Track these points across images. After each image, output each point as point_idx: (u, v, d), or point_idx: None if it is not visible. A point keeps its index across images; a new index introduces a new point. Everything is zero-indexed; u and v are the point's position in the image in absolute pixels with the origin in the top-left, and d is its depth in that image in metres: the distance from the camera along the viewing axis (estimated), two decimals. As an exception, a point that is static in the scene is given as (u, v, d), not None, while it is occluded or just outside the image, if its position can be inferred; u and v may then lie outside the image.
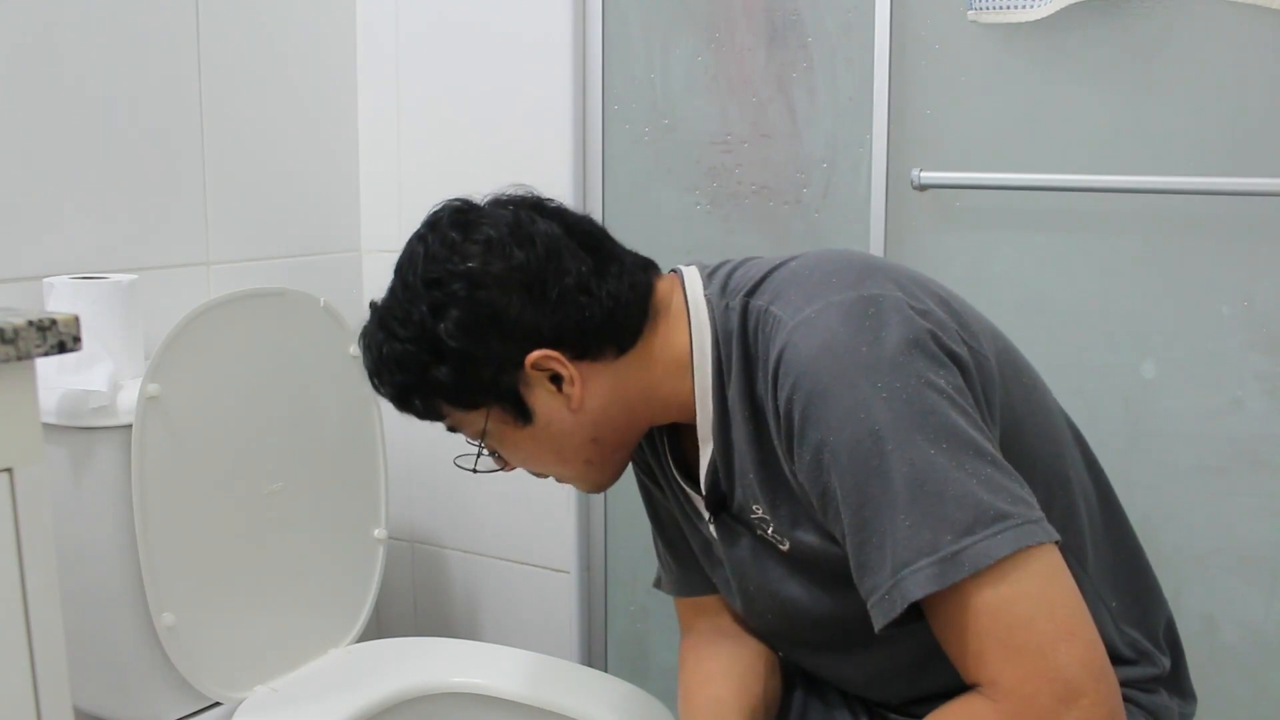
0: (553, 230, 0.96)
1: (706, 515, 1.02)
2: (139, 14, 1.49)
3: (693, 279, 0.98)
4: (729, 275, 0.97)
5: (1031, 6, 1.36)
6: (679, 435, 1.05)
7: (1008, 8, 1.37)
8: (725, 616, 1.14)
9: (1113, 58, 1.37)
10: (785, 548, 0.95)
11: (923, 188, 1.45)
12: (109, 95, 1.46)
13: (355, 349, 1.56)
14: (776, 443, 0.89)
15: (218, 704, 1.40)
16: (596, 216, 1.66)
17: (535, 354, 0.93)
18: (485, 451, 1.03)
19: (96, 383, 1.29)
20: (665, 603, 1.78)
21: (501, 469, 1.06)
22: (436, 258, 0.95)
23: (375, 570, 1.60)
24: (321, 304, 1.52)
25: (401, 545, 1.92)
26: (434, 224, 0.98)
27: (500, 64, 1.72)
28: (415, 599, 1.94)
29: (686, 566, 1.15)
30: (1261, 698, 1.38)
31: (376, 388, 1.01)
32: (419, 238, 0.98)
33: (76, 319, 0.91)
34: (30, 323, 0.88)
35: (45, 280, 1.36)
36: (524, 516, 1.80)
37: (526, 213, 0.97)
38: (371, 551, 1.60)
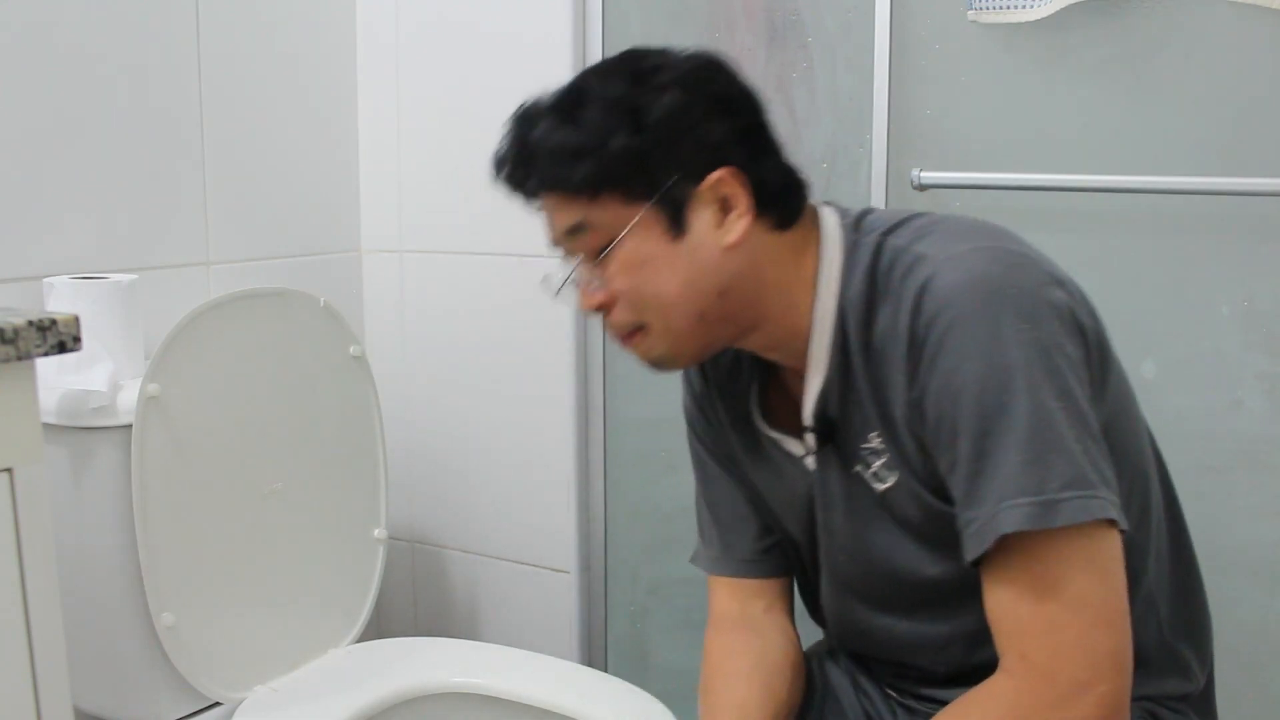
0: (755, 99, 0.96)
1: (801, 452, 1.01)
2: (139, 14, 1.49)
3: (826, 209, 0.99)
4: (862, 216, 0.98)
5: (1031, 6, 1.36)
6: (764, 378, 1.04)
7: (1008, 8, 1.37)
8: (758, 603, 1.13)
9: (1113, 58, 1.37)
10: (882, 487, 0.95)
11: (923, 188, 1.45)
12: (109, 95, 1.46)
13: (355, 348, 1.57)
14: (896, 372, 0.89)
15: (218, 704, 1.40)
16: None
17: (724, 171, 0.91)
18: (579, 274, 0.96)
19: (96, 383, 1.29)
20: (665, 602, 1.78)
21: (588, 303, 0.96)
22: (645, 57, 0.93)
23: (375, 570, 1.60)
24: (321, 304, 1.52)
25: (401, 545, 1.92)
26: (635, 50, 0.96)
27: (500, 64, 1.72)
28: (415, 599, 1.94)
29: (729, 540, 1.14)
30: (1262, 697, 1.38)
31: (516, 162, 0.95)
32: (617, 56, 0.96)
33: (76, 319, 0.92)
34: (30, 323, 0.88)
35: (45, 280, 1.36)
36: (524, 516, 1.81)
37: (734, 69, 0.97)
38: (371, 551, 1.60)
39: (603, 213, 0.92)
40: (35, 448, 0.92)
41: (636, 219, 0.91)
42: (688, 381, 1.14)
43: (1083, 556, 0.83)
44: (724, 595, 1.16)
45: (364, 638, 1.58)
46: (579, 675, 1.49)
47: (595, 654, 1.79)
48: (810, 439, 0.99)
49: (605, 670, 1.71)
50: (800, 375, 0.98)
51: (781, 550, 1.13)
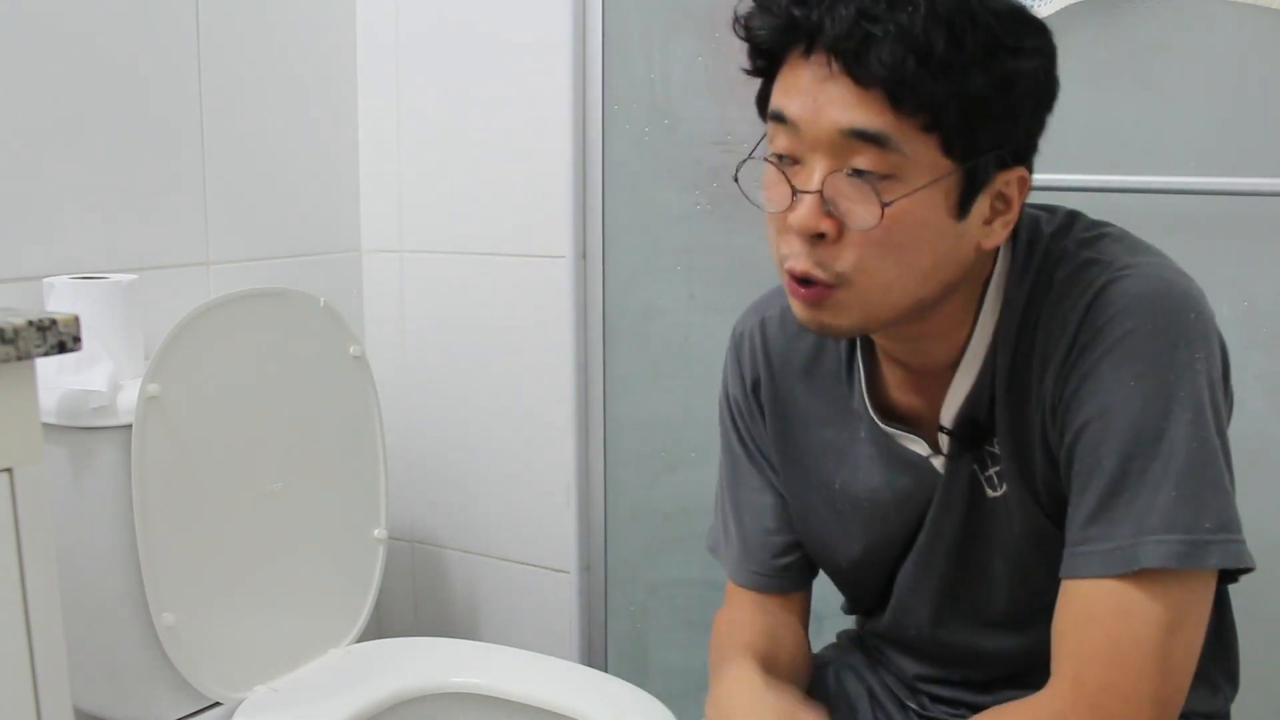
0: None
1: (926, 452, 0.93)
2: (139, 14, 1.49)
3: None
4: (1040, 215, 0.92)
5: (1032, 6, 1.36)
6: (871, 368, 0.96)
7: (1008, 8, 1.37)
8: (773, 603, 1.08)
9: (1113, 58, 1.37)
10: (996, 493, 0.92)
11: (923, 188, 1.45)
12: (109, 95, 1.46)
13: (355, 349, 1.57)
14: (1043, 373, 0.85)
15: (218, 704, 1.40)
16: (596, 217, 1.67)
17: (1023, 172, 0.83)
18: (825, 186, 0.79)
19: (96, 383, 1.29)
20: (665, 603, 1.78)
21: (809, 222, 0.79)
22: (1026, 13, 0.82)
23: (375, 570, 1.60)
24: (321, 304, 1.52)
25: (401, 545, 1.92)
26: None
27: (500, 64, 1.72)
28: (415, 599, 1.94)
29: (748, 549, 1.07)
30: (1263, 698, 1.38)
31: (866, 13, 0.75)
32: None
33: (76, 319, 0.92)
34: (30, 323, 0.88)
35: (45, 280, 1.36)
36: (524, 516, 1.80)
37: None
38: (371, 551, 1.60)
39: (915, 145, 0.77)
40: (35, 448, 0.92)
41: (939, 177, 0.78)
42: (738, 369, 1.04)
43: (1182, 601, 0.80)
44: (737, 588, 1.11)
45: (364, 638, 1.58)
46: (579, 675, 1.49)
47: (595, 654, 1.79)
48: (946, 441, 0.93)
49: (605, 670, 1.71)
50: (926, 373, 0.92)
51: (799, 568, 1.08)
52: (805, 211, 0.79)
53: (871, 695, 1.11)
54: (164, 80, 1.53)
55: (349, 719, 1.36)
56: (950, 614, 1.00)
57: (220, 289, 1.60)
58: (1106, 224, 0.92)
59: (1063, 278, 0.85)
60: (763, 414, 1.04)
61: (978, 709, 0.91)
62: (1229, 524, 0.80)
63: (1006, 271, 0.88)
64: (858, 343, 0.97)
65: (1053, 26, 1.37)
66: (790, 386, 1.01)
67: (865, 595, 1.09)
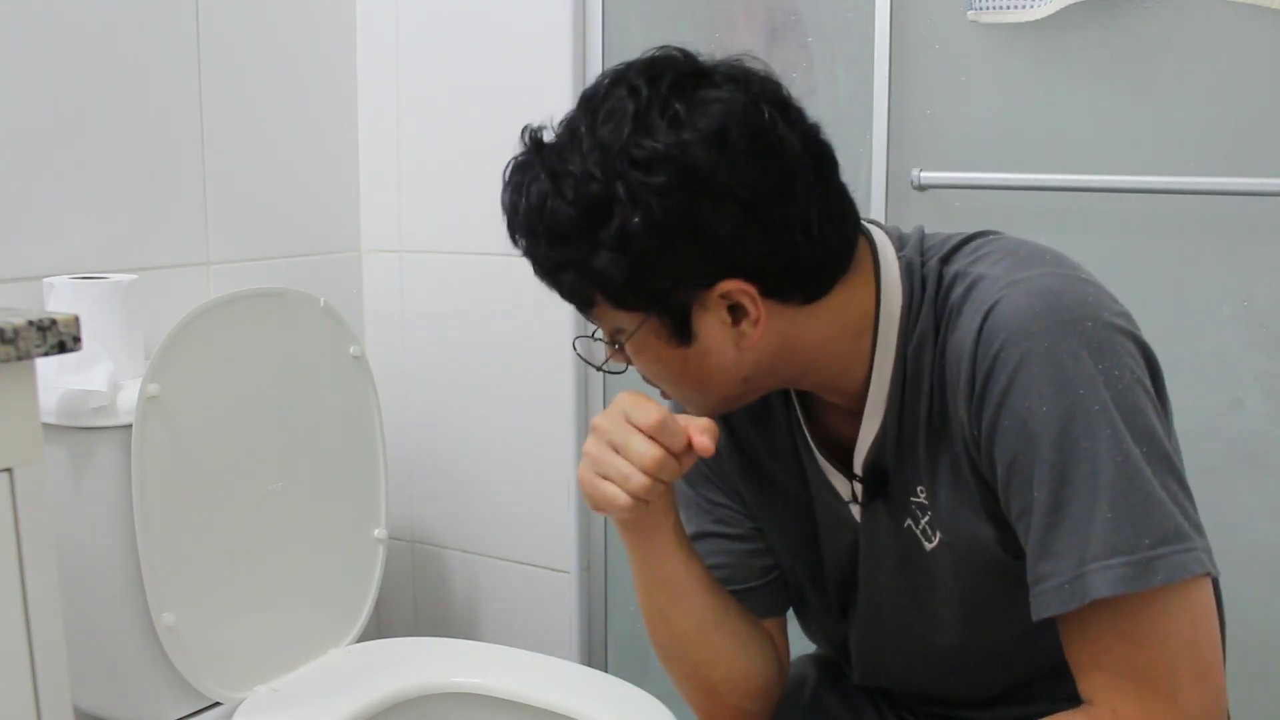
0: (794, 148, 0.81)
1: (847, 496, 0.93)
2: (139, 14, 1.49)
3: (882, 239, 0.89)
4: (921, 239, 0.89)
5: (1031, 6, 1.36)
6: (811, 410, 0.95)
7: (1008, 8, 1.37)
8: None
9: (1113, 58, 1.37)
10: (931, 545, 0.89)
11: (922, 188, 1.45)
12: (109, 95, 1.46)
13: (355, 349, 1.57)
14: (957, 406, 0.83)
15: (218, 704, 1.40)
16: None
17: (730, 284, 0.81)
18: (608, 351, 0.90)
19: (96, 383, 1.29)
20: (665, 603, 1.78)
21: (622, 370, 0.92)
22: (650, 129, 0.78)
23: (375, 570, 1.60)
24: (321, 304, 1.52)
25: (401, 545, 1.92)
26: (654, 77, 0.81)
27: (501, 64, 1.72)
28: (415, 599, 1.94)
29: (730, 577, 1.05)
30: (1262, 698, 1.38)
31: (515, 242, 0.86)
32: (630, 88, 0.81)
33: (76, 319, 0.92)
34: (30, 323, 0.88)
35: (45, 280, 1.36)
36: (524, 516, 1.80)
37: (771, 111, 0.81)
38: (371, 551, 1.60)
39: (605, 315, 0.86)
40: (35, 448, 0.92)
41: (638, 325, 0.84)
42: None
43: (1173, 615, 0.77)
44: None
45: (364, 638, 1.58)
46: (579, 675, 1.49)
47: (595, 654, 1.79)
48: (858, 489, 0.92)
49: (605, 670, 1.71)
50: (848, 413, 0.90)
51: (776, 590, 1.06)
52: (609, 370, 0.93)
53: (868, 691, 1.10)
54: (164, 80, 1.53)
55: (349, 719, 1.36)
56: (915, 664, 0.99)
57: (220, 289, 1.60)
58: (982, 235, 0.89)
59: (953, 303, 0.84)
60: (720, 465, 1.03)
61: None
62: (1170, 535, 0.76)
63: (899, 313, 0.86)
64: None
65: (1052, 26, 1.38)
66: (747, 426, 1.00)
67: (833, 648, 1.08)
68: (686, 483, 1.05)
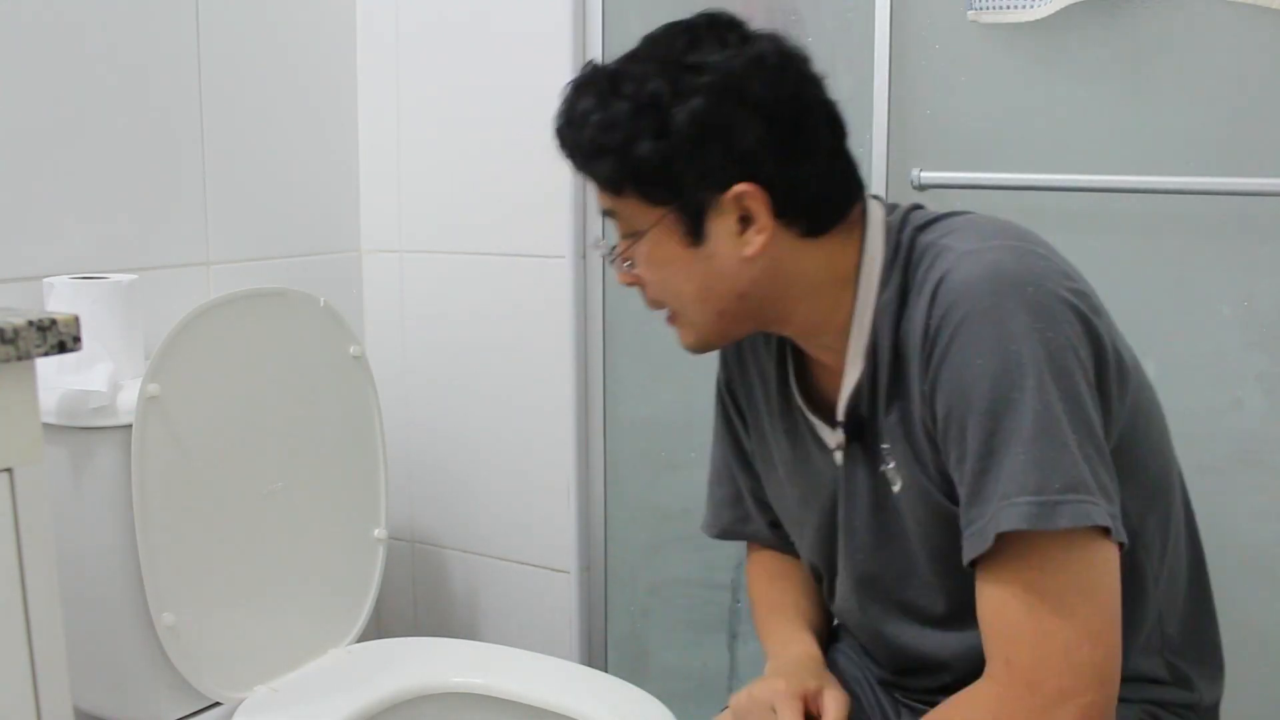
0: (817, 94, 0.94)
1: (833, 444, 1.00)
2: (139, 14, 1.49)
3: (874, 205, 0.98)
4: (907, 212, 0.98)
5: (1031, 6, 1.36)
6: (801, 361, 1.04)
7: (1008, 8, 1.37)
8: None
9: (1113, 58, 1.37)
10: (897, 488, 0.95)
11: (922, 187, 1.45)
12: (109, 95, 1.46)
13: (355, 349, 1.57)
14: (914, 366, 0.90)
15: (218, 704, 1.40)
16: (596, 217, 1.67)
17: (745, 186, 0.90)
18: (620, 252, 0.99)
19: (96, 383, 1.29)
20: (665, 603, 1.78)
21: (629, 281, 1.00)
22: (701, 47, 0.91)
23: (375, 570, 1.60)
24: (321, 304, 1.52)
25: (401, 545, 1.92)
26: (710, 21, 0.94)
27: (500, 64, 1.72)
28: (415, 599, 1.94)
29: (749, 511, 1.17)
30: (1262, 698, 1.38)
31: (562, 139, 0.96)
32: (687, 25, 0.95)
33: (76, 319, 0.92)
34: (30, 323, 0.88)
35: (45, 280, 1.36)
36: (524, 516, 1.80)
37: (800, 61, 0.94)
38: (371, 551, 1.60)
39: (626, 207, 0.95)
40: (35, 448, 0.92)
41: (656, 221, 0.93)
42: (722, 359, 1.15)
43: (1078, 564, 0.82)
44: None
45: (364, 638, 1.58)
46: (579, 675, 1.49)
47: (595, 654, 1.79)
48: (840, 435, 0.99)
49: (605, 670, 1.71)
50: (834, 369, 0.98)
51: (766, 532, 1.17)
52: (615, 273, 1.01)
53: (869, 681, 1.12)
54: (164, 80, 1.53)
55: (349, 719, 1.36)
56: (890, 614, 1.03)
57: (220, 289, 1.60)
58: (963, 213, 0.97)
59: (920, 270, 0.91)
60: (737, 403, 1.14)
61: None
62: (1078, 485, 0.81)
63: (879, 271, 0.94)
64: (787, 341, 1.05)
65: (1052, 26, 1.38)
66: (755, 379, 1.10)
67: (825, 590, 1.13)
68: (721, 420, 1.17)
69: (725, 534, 1.20)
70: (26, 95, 1.37)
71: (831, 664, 1.13)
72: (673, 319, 1.00)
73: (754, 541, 1.20)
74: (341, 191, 1.84)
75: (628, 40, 1.64)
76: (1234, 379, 1.37)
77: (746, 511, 1.18)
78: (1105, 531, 0.82)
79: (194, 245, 1.59)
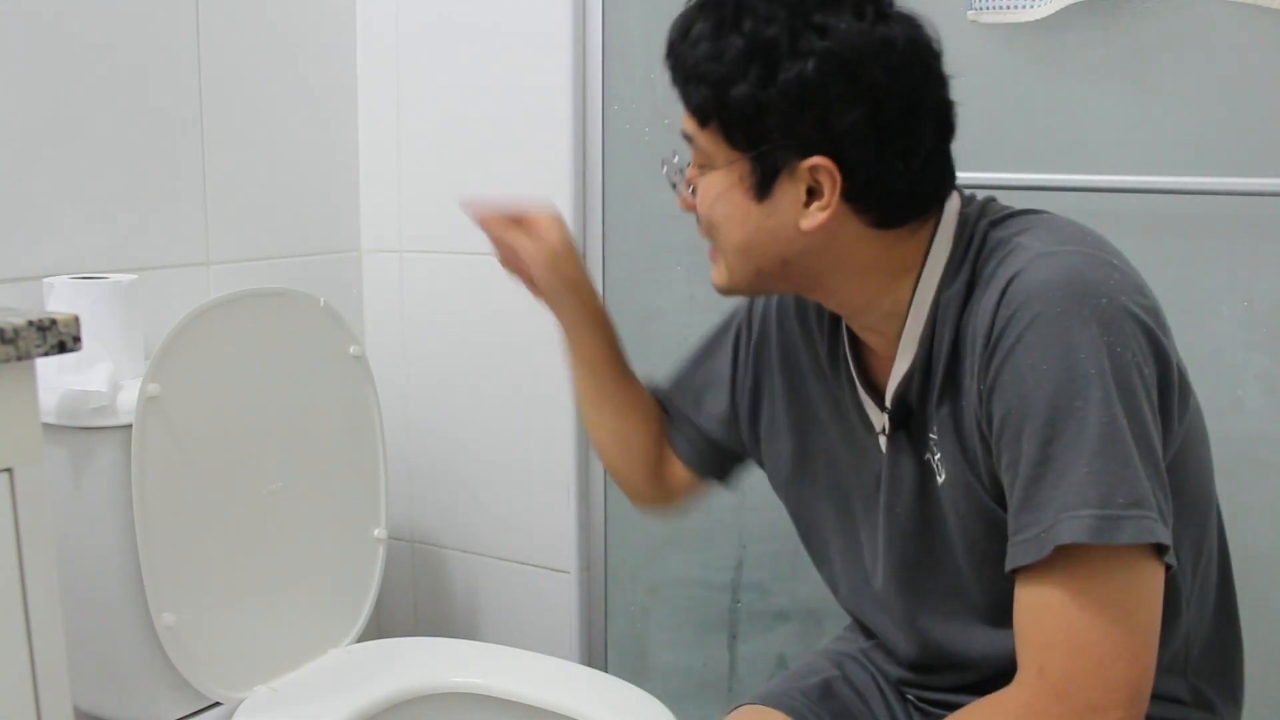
0: (936, 93, 0.91)
1: (879, 426, 0.99)
2: (139, 14, 1.49)
3: (952, 195, 0.96)
4: (985, 204, 0.96)
5: (1031, 6, 1.36)
6: (856, 347, 1.03)
7: (1008, 8, 1.37)
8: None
9: (1113, 58, 1.37)
10: (941, 479, 0.94)
11: (923, 188, 1.45)
12: (109, 95, 1.46)
13: (355, 349, 1.57)
14: (973, 362, 0.88)
15: (218, 704, 1.40)
16: (596, 217, 1.67)
17: (824, 160, 0.88)
18: (687, 179, 0.97)
19: (96, 383, 1.29)
20: (665, 603, 1.78)
21: (686, 206, 0.99)
22: (837, 10, 0.87)
23: (375, 570, 1.60)
24: (321, 304, 1.52)
25: (401, 545, 1.92)
26: None
27: (500, 64, 1.72)
28: (415, 599, 1.94)
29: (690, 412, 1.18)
30: (1262, 697, 1.38)
31: (670, 49, 0.93)
32: None
33: (76, 319, 0.92)
34: (30, 323, 0.88)
35: (45, 280, 1.36)
36: (524, 516, 1.80)
37: (930, 58, 0.92)
38: (371, 551, 1.60)
39: (706, 139, 0.92)
40: (35, 448, 0.92)
41: (730, 163, 0.91)
42: (761, 317, 1.14)
43: (1125, 581, 0.81)
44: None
45: (364, 638, 1.58)
46: (579, 675, 1.49)
47: (595, 654, 1.79)
48: (886, 420, 0.98)
49: (605, 670, 1.71)
50: (879, 353, 0.97)
51: (715, 461, 1.18)
52: (678, 195, 1.00)
53: (878, 685, 1.11)
54: (164, 80, 1.53)
55: (349, 719, 1.36)
56: (923, 604, 1.01)
57: (220, 289, 1.60)
58: (1039, 212, 0.95)
59: (990, 265, 0.89)
60: (756, 365, 1.13)
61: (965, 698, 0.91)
62: (1142, 500, 0.80)
63: (945, 262, 0.92)
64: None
65: (1052, 26, 1.38)
66: (794, 342, 1.09)
67: (843, 586, 1.11)
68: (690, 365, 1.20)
69: (660, 397, 1.21)
70: (26, 95, 1.37)
71: (839, 668, 1.13)
72: (713, 254, 0.99)
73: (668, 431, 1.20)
74: (341, 191, 1.84)
75: (628, 40, 1.65)
76: (1234, 379, 1.37)
77: (685, 420, 1.19)
78: (1157, 551, 0.81)
79: (194, 245, 1.59)
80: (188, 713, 1.39)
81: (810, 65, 0.86)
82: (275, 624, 1.46)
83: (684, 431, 1.18)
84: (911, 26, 0.91)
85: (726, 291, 0.99)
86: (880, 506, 1.01)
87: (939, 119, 0.92)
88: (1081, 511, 0.79)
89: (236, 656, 1.41)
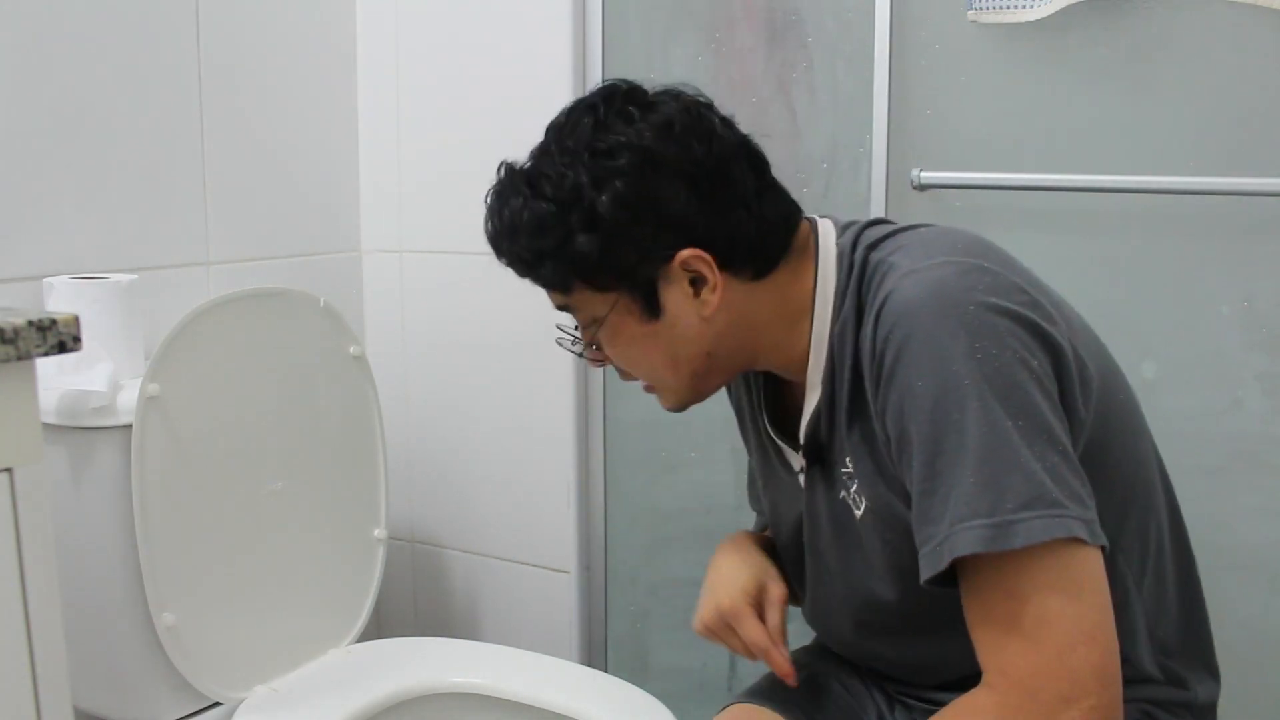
0: (729, 139, 0.95)
1: (797, 466, 1.02)
2: (139, 14, 1.49)
3: (827, 228, 0.98)
4: (860, 230, 0.97)
5: (1031, 6, 1.36)
6: (774, 386, 1.06)
7: (1008, 8, 1.37)
8: None
9: (1113, 58, 1.37)
10: (859, 512, 0.95)
11: (922, 187, 1.45)
12: (109, 95, 1.46)
13: (355, 349, 1.57)
14: (868, 385, 0.90)
15: (218, 704, 1.40)
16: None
17: (688, 252, 0.92)
18: (585, 341, 1.01)
19: (96, 383, 1.29)
20: (665, 603, 1.78)
21: (596, 362, 1.04)
22: (608, 128, 0.92)
23: (375, 570, 1.60)
24: (321, 304, 1.52)
25: (401, 545, 1.92)
26: (609, 96, 0.95)
27: (500, 65, 1.72)
28: (415, 599, 1.94)
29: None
30: (1262, 697, 1.38)
31: (499, 249, 0.98)
32: (588, 106, 0.96)
33: (76, 319, 0.92)
34: (30, 323, 0.88)
35: (45, 280, 1.36)
36: (524, 516, 1.81)
37: (706, 111, 0.96)
38: (371, 551, 1.60)
39: (579, 300, 0.97)
40: (35, 448, 0.92)
41: (611, 306, 0.95)
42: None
43: (1051, 575, 0.81)
44: None
45: (364, 638, 1.58)
46: (579, 675, 1.49)
47: (595, 654, 1.79)
48: (801, 458, 1.00)
49: (605, 670, 1.71)
50: (803, 392, 0.99)
51: None
52: (587, 360, 1.04)
53: (864, 680, 1.12)
54: (164, 80, 1.53)
55: (349, 719, 1.36)
56: (861, 632, 1.04)
57: (220, 289, 1.60)
58: (918, 227, 0.96)
59: (870, 290, 0.91)
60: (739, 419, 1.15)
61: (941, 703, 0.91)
62: (1034, 501, 0.80)
63: (832, 296, 0.95)
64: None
65: (1052, 26, 1.38)
66: (740, 403, 1.13)
67: (816, 624, 1.14)
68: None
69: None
70: (27, 95, 1.37)
71: (826, 664, 1.14)
72: (649, 388, 1.03)
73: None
74: (341, 191, 1.84)
75: (628, 40, 1.65)
76: (1234, 379, 1.37)
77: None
78: (1078, 538, 0.81)
79: (194, 245, 1.59)
80: (188, 713, 1.39)
81: (619, 184, 0.90)
82: (275, 624, 1.46)
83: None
84: (673, 98, 0.95)
85: (680, 408, 1.03)
86: (805, 545, 1.04)
87: (748, 156, 0.96)
88: (972, 522, 0.81)
89: (236, 656, 1.41)
